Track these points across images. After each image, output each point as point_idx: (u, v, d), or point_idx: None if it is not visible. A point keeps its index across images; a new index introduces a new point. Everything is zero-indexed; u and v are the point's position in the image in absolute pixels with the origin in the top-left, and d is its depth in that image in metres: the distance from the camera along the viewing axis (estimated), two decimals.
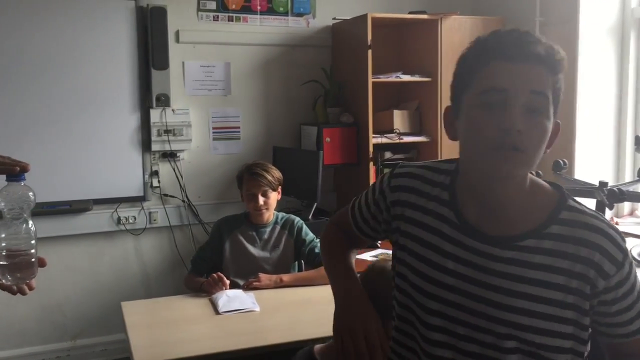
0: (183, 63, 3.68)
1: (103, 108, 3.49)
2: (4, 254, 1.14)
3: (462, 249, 1.10)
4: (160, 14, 3.49)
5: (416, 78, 3.76)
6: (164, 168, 3.68)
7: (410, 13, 3.81)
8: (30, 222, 1.17)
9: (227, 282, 2.52)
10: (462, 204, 1.13)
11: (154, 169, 3.65)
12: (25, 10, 3.30)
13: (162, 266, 3.76)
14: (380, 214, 1.27)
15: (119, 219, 3.60)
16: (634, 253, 2.66)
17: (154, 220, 3.68)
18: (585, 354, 1.13)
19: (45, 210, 3.38)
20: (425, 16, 3.74)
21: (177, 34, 3.65)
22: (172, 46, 3.59)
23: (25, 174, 1.15)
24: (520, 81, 1.01)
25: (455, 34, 3.74)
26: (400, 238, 1.21)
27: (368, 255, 3.00)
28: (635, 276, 1.10)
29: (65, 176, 3.43)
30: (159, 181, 3.66)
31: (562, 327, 1.06)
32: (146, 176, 3.62)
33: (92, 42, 3.44)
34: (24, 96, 3.33)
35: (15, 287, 1.14)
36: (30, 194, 1.16)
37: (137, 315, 2.19)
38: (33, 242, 1.16)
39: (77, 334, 3.62)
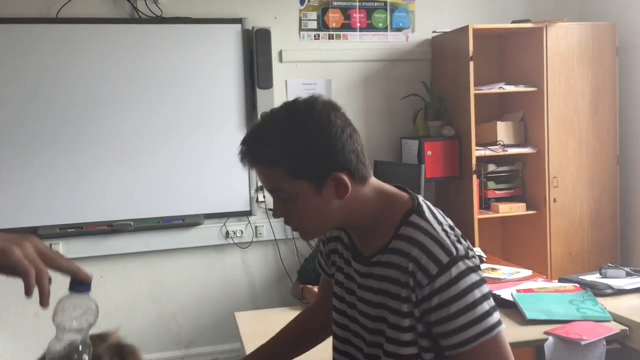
0: (286, 82, 3.80)
1: (212, 127, 3.68)
2: None
3: (350, 267, 1.28)
4: (264, 35, 3.64)
5: (521, 88, 3.67)
6: None
7: (513, 22, 3.73)
8: (88, 346, 0.90)
9: None
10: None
11: (259, 184, 3.79)
12: (140, 38, 3.56)
13: (268, 279, 3.88)
14: (326, 251, 1.43)
15: (227, 232, 3.76)
16: None
17: (260, 234, 3.81)
18: None
19: (162, 224, 3.60)
20: (529, 25, 3.64)
21: (280, 53, 3.79)
22: (276, 66, 3.73)
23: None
24: (261, 181, 1.20)
25: (562, 42, 3.61)
26: (332, 267, 1.39)
27: None
28: (458, 294, 1.11)
29: (178, 192, 3.63)
30: (264, 196, 3.79)
31: (402, 336, 1.16)
32: (252, 191, 3.76)
33: (201, 64, 3.64)
34: (140, 117, 3.58)
35: None
36: (93, 306, 0.91)
37: (251, 325, 2.28)
38: None
39: (190, 342, 3.80)
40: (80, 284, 0.91)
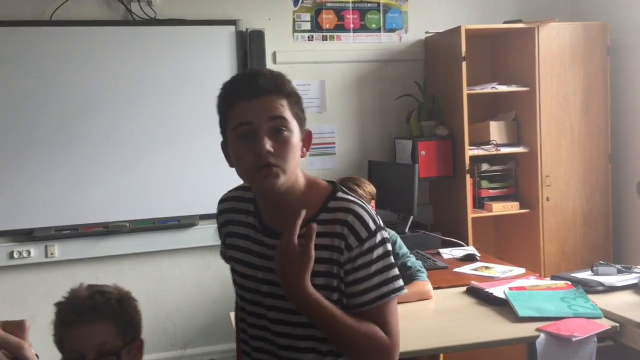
0: None
1: (206, 128, 3.67)
2: None
3: (263, 247, 1.34)
4: (258, 37, 3.66)
5: (513, 88, 3.69)
6: None
7: (505, 23, 3.76)
8: None
9: None
10: (262, 211, 1.37)
11: None
12: (134, 40, 3.58)
13: None
14: (222, 239, 1.49)
15: None
16: None
17: None
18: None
19: (157, 225, 3.62)
20: (521, 25, 3.67)
21: (274, 55, 3.81)
22: (270, 67, 3.74)
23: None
24: (259, 112, 1.24)
25: (554, 41, 3.64)
26: (228, 251, 1.44)
27: (468, 269, 2.97)
28: (378, 257, 1.27)
29: (174, 193, 3.65)
30: None
31: (332, 295, 1.27)
32: None
33: (195, 67, 3.65)
34: (135, 119, 3.59)
35: None
36: None
37: None
38: None
39: (186, 343, 3.81)
40: None
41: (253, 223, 1.38)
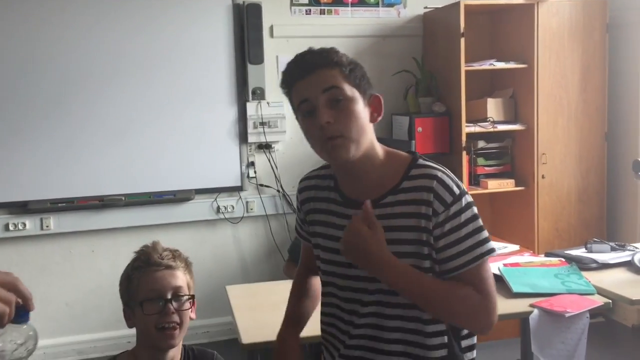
0: (277, 57, 3.79)
1: (203, 102, 3.67)
2: None
3: (345, 219, 1.36)
4: (255, 10, 3.62)
5: (511, 65, 3.68)
6: (260, 159, 3.82)
7: None
8: None
9: None
10: (342, 185, 1.41)
11: (250, 160, 3.80)
12: (128, 12, 3.53)
13: (258, 253, 3.91)
14: (303, 216, 1.54)
15: (218, 208, 3.78)
16: None
17: (251, 209, 3.83)
18: None
19: (153, 199, 3.62)
20: (520, 1, 3.63)
21: (271, 29, 3.77)
22: (267, 41, 3.71)
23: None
24: (312, 87, 1.30)
25: (553, 18, 3.62)
26: (311, 227, 1.49)
27: None
28: (467, 220, 1.29)
29: (170, 167, 3.64)
30: (255, 172, 3.80)
31: (423, 263, 1.30)
32: (243, 167, 3.77)
33: (191, 39, 3.62)
34: (131, 92, 3.56)
35: None
36: (32, 333, 0.94)
37: (242, 298, 2.30)
38: None
39: None
40: (20, 316, 0.91)
41: (334, 197, 1.42)
